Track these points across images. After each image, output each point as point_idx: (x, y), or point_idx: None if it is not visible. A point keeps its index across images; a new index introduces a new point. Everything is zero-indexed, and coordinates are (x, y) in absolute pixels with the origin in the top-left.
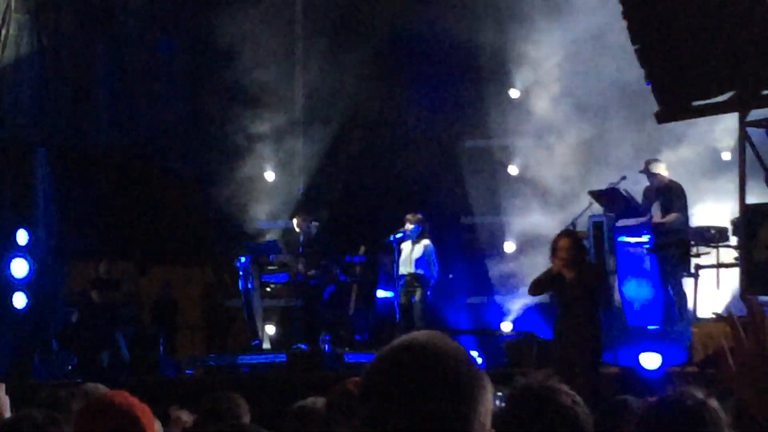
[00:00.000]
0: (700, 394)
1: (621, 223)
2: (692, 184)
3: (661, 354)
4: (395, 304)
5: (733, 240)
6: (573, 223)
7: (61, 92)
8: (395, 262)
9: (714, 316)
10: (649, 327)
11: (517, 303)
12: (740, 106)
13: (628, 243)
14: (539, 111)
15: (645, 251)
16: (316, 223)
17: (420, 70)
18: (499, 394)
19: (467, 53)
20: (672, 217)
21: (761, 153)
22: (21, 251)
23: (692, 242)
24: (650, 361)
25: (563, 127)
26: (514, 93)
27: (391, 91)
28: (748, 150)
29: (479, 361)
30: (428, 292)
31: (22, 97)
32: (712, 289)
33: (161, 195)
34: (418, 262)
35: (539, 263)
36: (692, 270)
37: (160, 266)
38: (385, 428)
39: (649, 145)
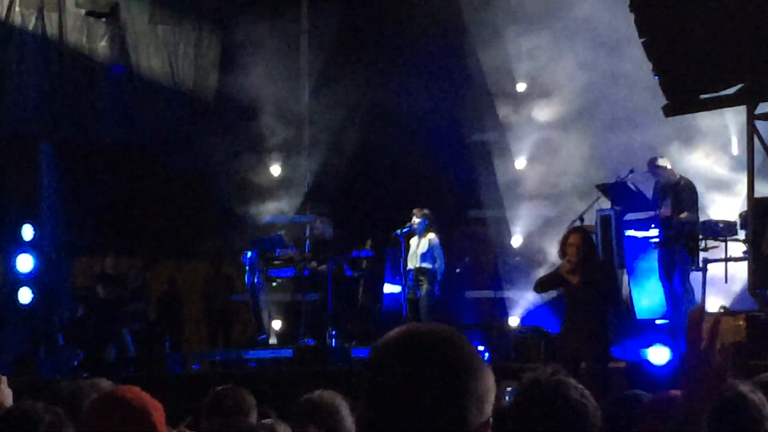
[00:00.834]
0: (744, 387)
1: (629, 217)
2: (700, 179)
3: (669, 348)
4: (402, 298)
5: (742, 234)
6: (581, 217)
7: (66, 87)
8: (402, 257)
9: (722, 310)
10: (657, 321)
11: (525, 298)
12: (748, 99)
13: (636, 237)
14: (546, 105)
15: (653, 245)
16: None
17: (426, 62)
18: (509, 389)
19: (473, 47)
20: (683, 216)
21: None
22: (26, 246)
23: (700, 236)
24: (658, 355)
25: (570, 120)
26: (520, 86)
27: (397, 83)
28: (757, 143)
29: (485, 356)
30: (435, 287)
31: (27, 92)
32: (720, 283)
33: (167, 190)
34: (424, 257)
35: (546, 257)
36: (700, 264)
37: (165, 261)
38: (380, 413)
39: (655, 139)
